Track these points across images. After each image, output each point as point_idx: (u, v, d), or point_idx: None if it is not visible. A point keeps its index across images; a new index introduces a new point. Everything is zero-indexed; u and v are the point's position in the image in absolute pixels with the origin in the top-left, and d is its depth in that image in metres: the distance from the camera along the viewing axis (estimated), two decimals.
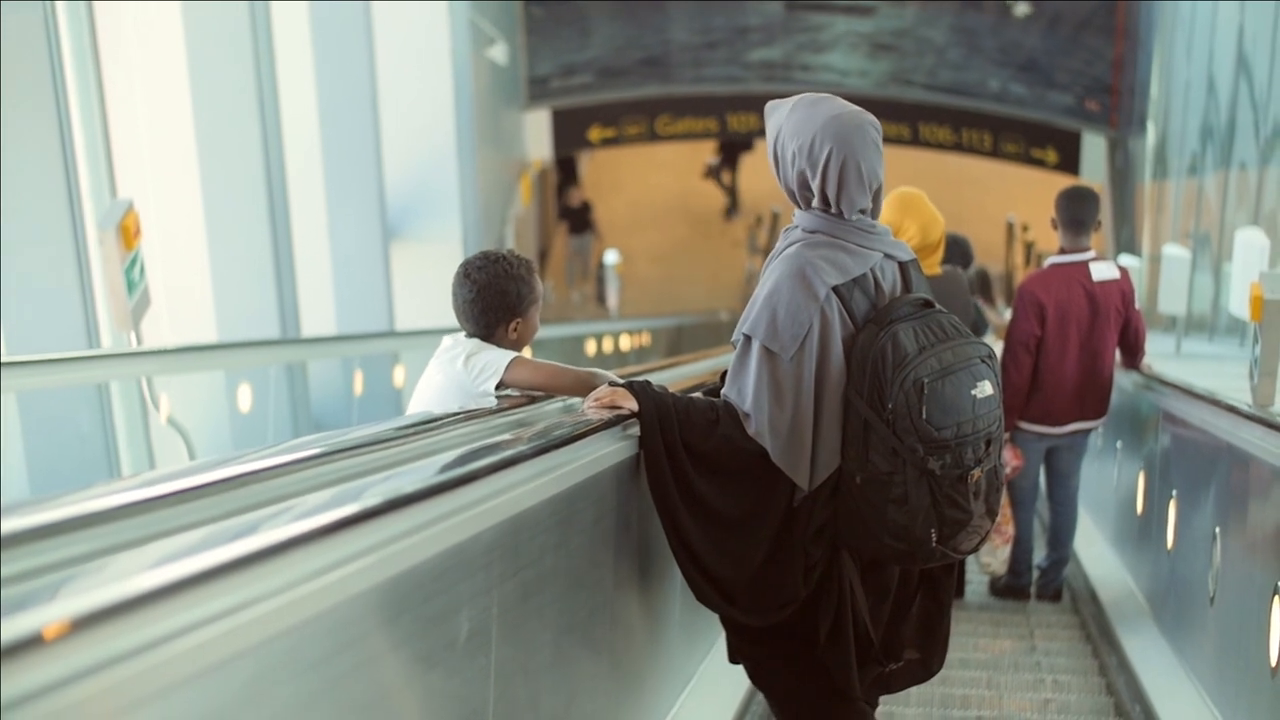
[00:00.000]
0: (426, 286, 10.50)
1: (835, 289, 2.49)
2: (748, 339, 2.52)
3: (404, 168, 10.80)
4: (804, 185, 2.56)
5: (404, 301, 10.05)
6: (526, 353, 2.95)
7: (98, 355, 5.12)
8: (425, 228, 10.90)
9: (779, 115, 2.59)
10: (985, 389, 2.49)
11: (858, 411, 2.47)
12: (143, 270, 5.07)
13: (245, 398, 6.24)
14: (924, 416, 2.40)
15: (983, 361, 2.51)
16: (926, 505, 2.44)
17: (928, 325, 2.49)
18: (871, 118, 2.55)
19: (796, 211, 2.63)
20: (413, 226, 10.83)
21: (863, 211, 2.56)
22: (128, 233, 4.91)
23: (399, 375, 8.21)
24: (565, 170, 20.49)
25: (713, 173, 20.65)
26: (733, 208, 20.56)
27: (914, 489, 2.43)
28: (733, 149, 20.42)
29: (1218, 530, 3.68)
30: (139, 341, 5.10)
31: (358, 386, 8.02)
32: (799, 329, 2.46)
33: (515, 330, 2.87)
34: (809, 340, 2.47)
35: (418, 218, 10.87)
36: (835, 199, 2.52)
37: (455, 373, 2.78)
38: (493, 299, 2.82)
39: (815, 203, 2.56)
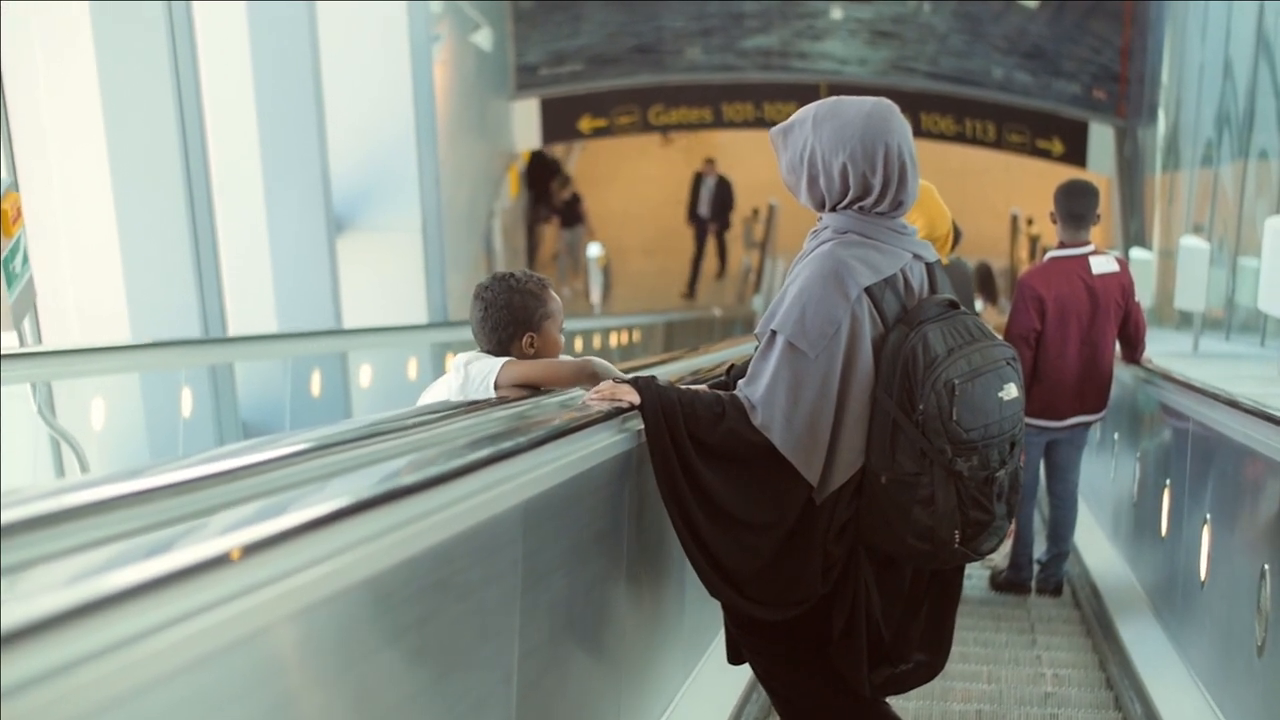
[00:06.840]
0: (382, 278, 9.92)
1: (867, 289, 2.51)
2: (773, 334, 2.52)
3: (355, 153, 10.17)
4: (863, 189, 2.54)
5: (355, 296, 9.37)
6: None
7: None
8: (379, 216, 10.33)
9: (801, 134, 2.59)
10: (1011, 391, 2.53)
11: (886, 411, 2.49)
12: (25, 260, 4.46)
13: (155, 404, 5.64)
14: (954, 418, 2.43)
15: (1008, 364, 2.54)
16: (952, 507, 2.47)
17: (954, 327, 2.52)
18: (887, 100, 2.61)
19: (824, 214, 2.62)
20: (366, 215, 10.24)
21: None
22: (5, 218, 4.31)
23: (347, 377, 7.64)
24: None
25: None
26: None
27: (941, 490, 2.46)
28: (542, 176, 17.97)
29: (1266, 567, 3.20)
30: (21, 341, 4.50)
31: (313, 389, 7.45)
32: (828, 327, 2.48)
33: (532, 346, 2.92)
34: (836, 339, 2.48)
35: (371, 206, 10.30)
36: (896, 190, 2.55)
37: (455, 386, 2.85)
38: (500, 314, 2.90)
39: (864, 203, 2.55)
